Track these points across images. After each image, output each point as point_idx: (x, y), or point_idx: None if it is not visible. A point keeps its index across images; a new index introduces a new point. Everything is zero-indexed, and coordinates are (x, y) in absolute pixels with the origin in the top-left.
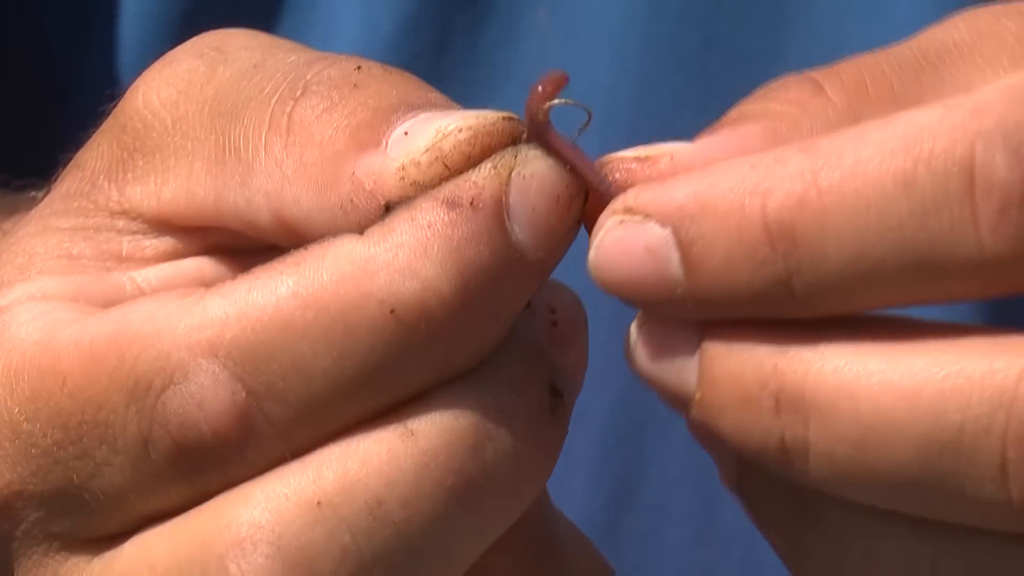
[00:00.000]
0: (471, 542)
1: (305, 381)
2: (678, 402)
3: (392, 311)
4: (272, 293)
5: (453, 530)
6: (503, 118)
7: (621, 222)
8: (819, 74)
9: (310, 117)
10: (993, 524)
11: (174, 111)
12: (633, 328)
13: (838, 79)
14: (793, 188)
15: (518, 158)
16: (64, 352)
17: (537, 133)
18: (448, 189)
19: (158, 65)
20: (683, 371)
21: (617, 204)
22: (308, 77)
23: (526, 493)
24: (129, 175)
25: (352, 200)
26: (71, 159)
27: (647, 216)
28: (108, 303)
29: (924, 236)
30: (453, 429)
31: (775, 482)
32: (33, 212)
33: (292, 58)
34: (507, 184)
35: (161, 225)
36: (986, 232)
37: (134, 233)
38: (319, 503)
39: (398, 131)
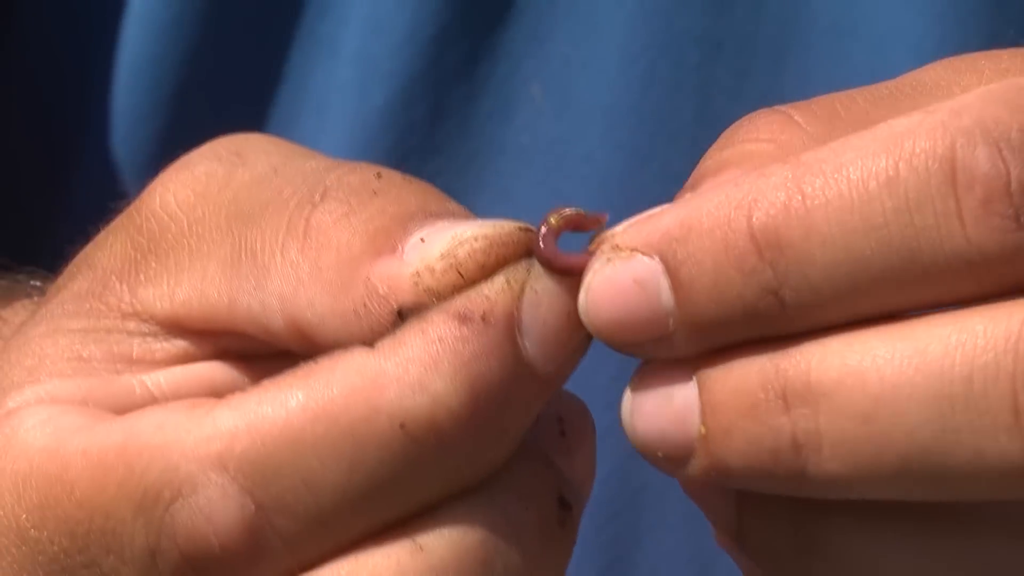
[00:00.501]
0: None
1: (314, 495)
2: (680, 456)
3: (402, 425)
4: (282, 406)
5: None
6: (519, 229)
7: (608, 260)
8: (788, 107)
9: (328, 222)
10: (1010, 490)
11: (191, 213)
12: (627, 392)
13: (809, 110)
14: (777, 197)
15: (531, 273)
16: (72, 461)
17: (547, 263)
18: (460, 303)
19: (176, 167)
20: (683, 416)
21: (604, 245)
22: (328, 183)
23: None
24: (142, 276)
25: (365, 304)
26: (78, 253)
27: (633, 250)
28: (117, 406)
29: (910, 233)
30: (462, 544)
31: (776, 520)
32: (43, 311)
33: (312, 164)
34: (519, 299)
35: (173, 328)
36: (971, 226)
37: (145, 335)
38: None
39: (415, 238)
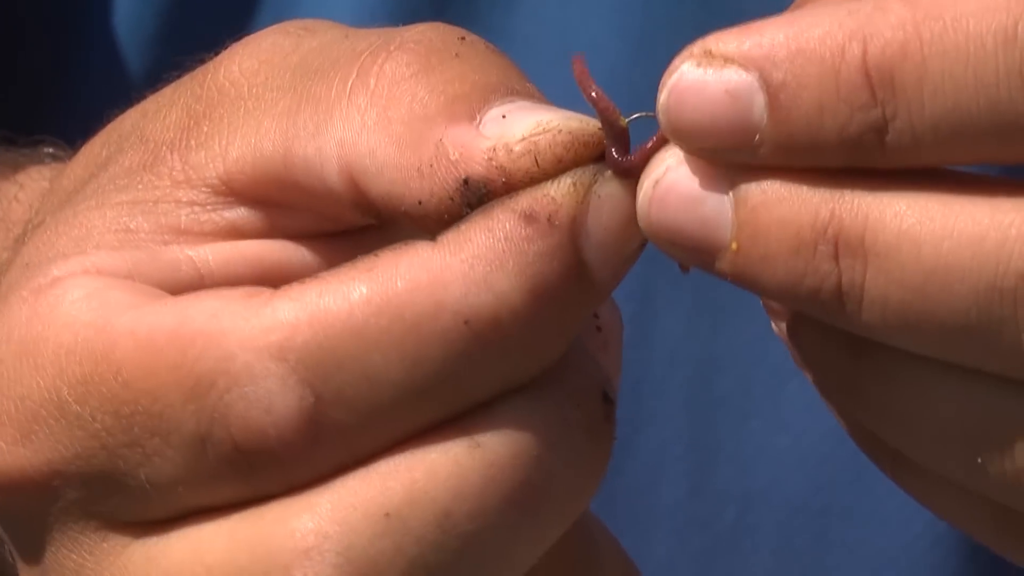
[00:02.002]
0: (532, 549)
1: (375, 389)
2: (698, 257)
3: (466, 322)
4: (345, 298)
5: (517, 539)
6: (600, 129)
7: (699, 65)
8: None
9: (404, 74)
10: None
11: (253, 78)
12: (649, 176)
13: None
14: (895, 36)
15: (598, 177)
16: (120, 340)
17: (617, 166)
18: (526, 202)
19: (242, 42)
20: (713, 224)
21: (695, 48)
22: (406, 35)
23: (584, 499)
24: (193, 142)
25: (432, 165)
26: (117, 118)
27: (729, 60)
28: (163, 281)
29: (1019, 96)
30: (519, 440)
31: (830, 333)
32: (93, 185)
33: (386, 29)
34: (585, 203)
35: (225, 192)
36: None
37: (193, 206)
38: (387, 514)
39: (495, 111)
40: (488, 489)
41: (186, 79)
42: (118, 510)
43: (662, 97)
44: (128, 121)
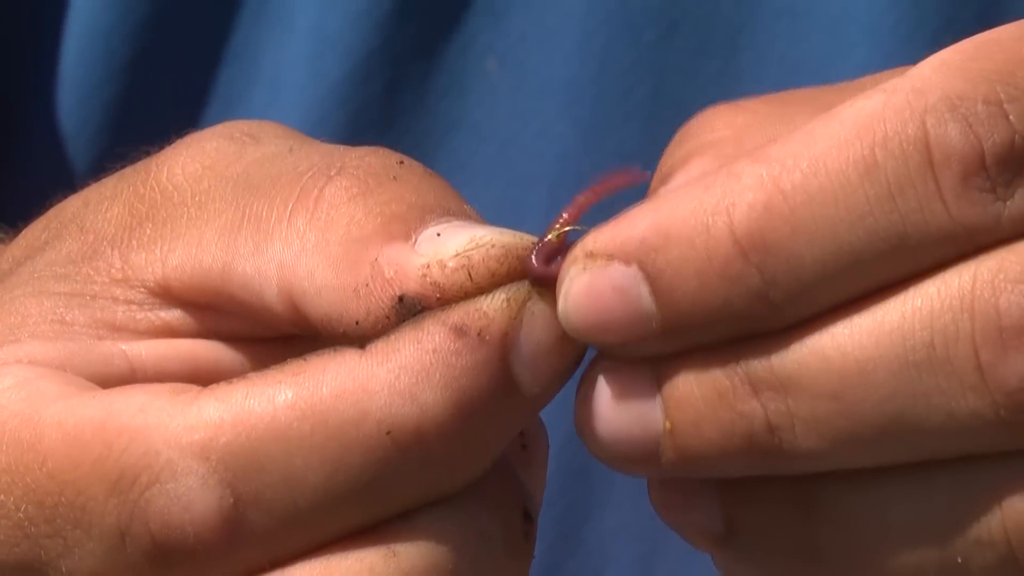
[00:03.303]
0: None
1: (294, 493)
2: (644, 456)
3: (388, 432)
4: (270, 402)
5: None
6: (534, 243)
7: (584, 268)
8: (738, 101)
9: (342, 198)
10: (989, 443)
11: (196, 185)
12: (580, 397)
13: (759, 98)
14: (756, 198)
15: (531, 294)
16: (47, 431)
17: (536, 279)
18: (457, 315)
19: (185, 141)
20: (644, 414)
21: (577, 251)
22: (346, 160)
23: None
24: (135, 242)
25: (368, 285)
26: (56, 204)
27: (610, 257)
28: (95, 374)
29: (895, 218)
30: (435, 553)
31: (770, 500)
32: (28, 269)
33: (329, 146)
34: (517, 319)
35: (162, 296)
36: (952, 202)
37: (130, 303)
38: None
39: (430, 231)
40: None
41: (128, 173)
42: None
43: (560, 305)
44: (69, 209)
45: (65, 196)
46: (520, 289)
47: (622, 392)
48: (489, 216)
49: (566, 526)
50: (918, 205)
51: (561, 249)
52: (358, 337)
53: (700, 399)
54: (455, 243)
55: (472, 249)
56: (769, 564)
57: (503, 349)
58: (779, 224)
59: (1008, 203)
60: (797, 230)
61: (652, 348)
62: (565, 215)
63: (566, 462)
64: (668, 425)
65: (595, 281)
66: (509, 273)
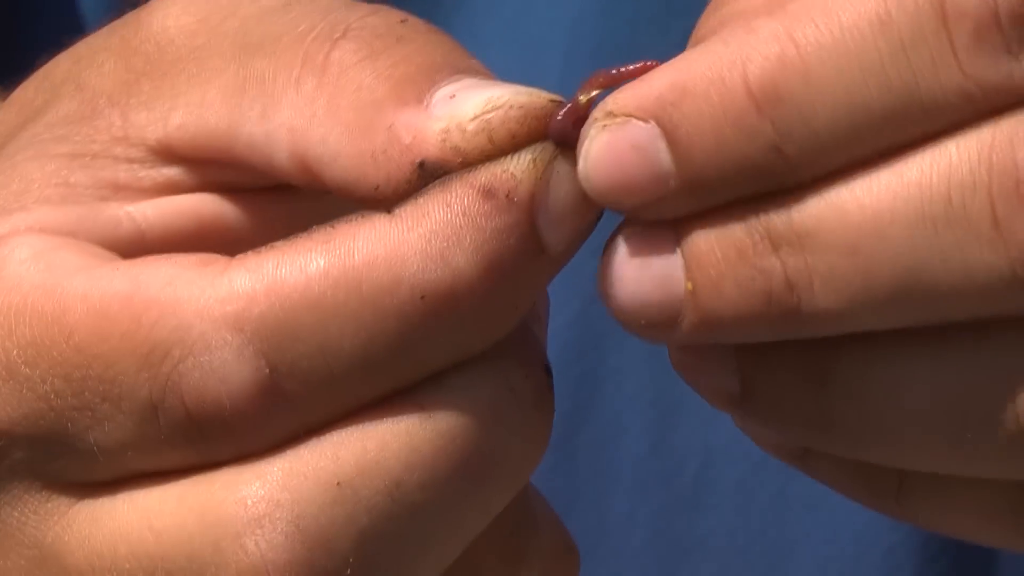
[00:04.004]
0: (480, 518)
1: (329, 360)
2: (667, 319)
3: (423, 296)
4: (302, 271)
5: (466, 508)
6: (551, 101)
7: (604, 127)
8: None
9: (350, 60)
10: (1005, 305)
11: (191, 40)
12: (603, 262)
13: None
14: (770, 50)
15: (556, 154)
16: (71, 304)
17: (561, 139)
18: (485, 177)
19: None
20: (666, 275)
21: (597, 111)
22: (349, 21)
23: (531, 467)
24: (133, 100)
25: (386, 151)
26: (50, 61)
27: (628, 115)
28: (104, 238)
29: (908, 74)
30: (469, 411)
31: (786, 365)
32: (29, 133)
33: (327, 3)
34: (543, 180)
35: (164, 154)
36: (965, 59)
37: (132, 162)
38: (339, 483)
39: (443, 92)
40: (439, 459)
41: (118, 25)
42: (64, 471)
43: (580, 166)
44: (61, 67)
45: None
46: (547, 150)
47: (644, 255)
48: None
49: (580, 397)
50: (931, 61)
51: (585, 113)
52: (378, 202)
53: (720, 257)
54: (472, 105)
55: (490, 111)
56: (784, 428)
57: (531, 210)
58: (792, 77)
59: (1022, 60)
60: (810, 83)
61: (671, 208)
62: (588, 82)
63: (579, 333)
64: (689, 286)
65: (614, 139)
66: (529, 134)
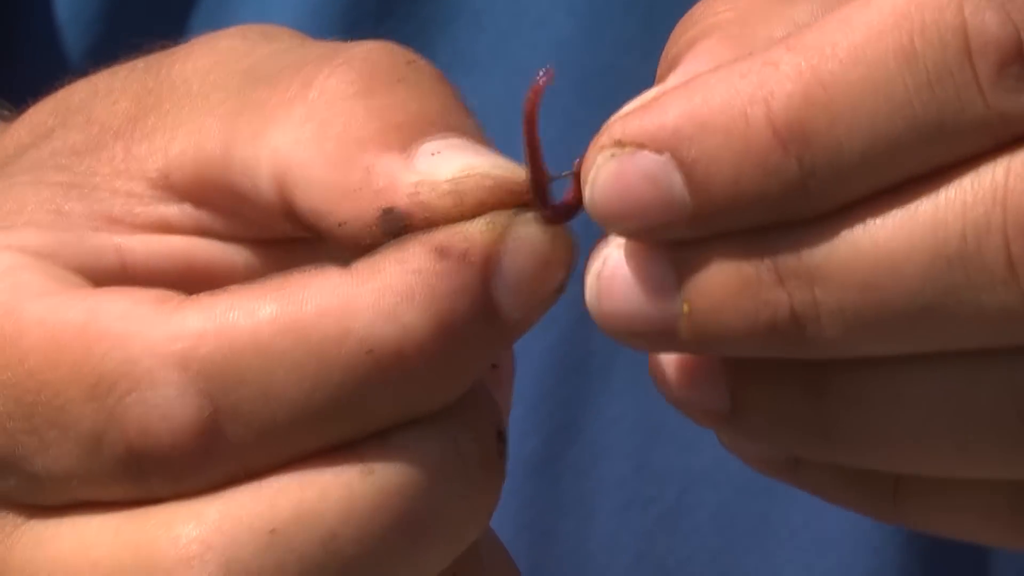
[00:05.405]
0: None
1: (272, 407)
2: (658, 336)
3: (370, 351)
4: (252, 315)
5: (399, 566)
6: (526, 180)
7: (612, 156)
8: None
9: (346, 92)
10: (1012, 336)
11: (204, 77)
12: (591, 270)
13: None
14: (795, 87)
15: (516, 219)
16: (28, 328)
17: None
18: (441, 237)
19: (200, 39)
20: (661, 295)
21: (604, 139)
22: (353, 52)
23: (473, 532)
24: (137, 133)
25: (359, 190)
26: (64, 89)
27: (640, 146)
28: (84, 266)
29: (933, 107)
30: (412, 471)
31: (783, 380)
32: (33, 157)
33: (339, 43)
34: (500, 243)
35: (163, 188)
36: (989, 91)
37: (130, 196)
38: (273, 530)
39: (427, 147)
40: (376, 515)
41: (141, 65)
42: (12, 492)
43: (587, 193)
44: (77, 96)
45: (73, 79)
46: (505, 215)
47: (639, 271)
48: (488, 108)
49: (564, 418)
50: (955, 94)
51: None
52: (340, 238)
53: (722, 286)
54: (450, 168)
55: (465, 177)
56: (776, 441)
57: (485, 272)
58: (819, 114)
59: None
60: (836, 120)
61: (678, 234)
62: (535, 158)
63: (564, 354)
64: (686, 308)
65: (624, 169)
66: (498, 204)
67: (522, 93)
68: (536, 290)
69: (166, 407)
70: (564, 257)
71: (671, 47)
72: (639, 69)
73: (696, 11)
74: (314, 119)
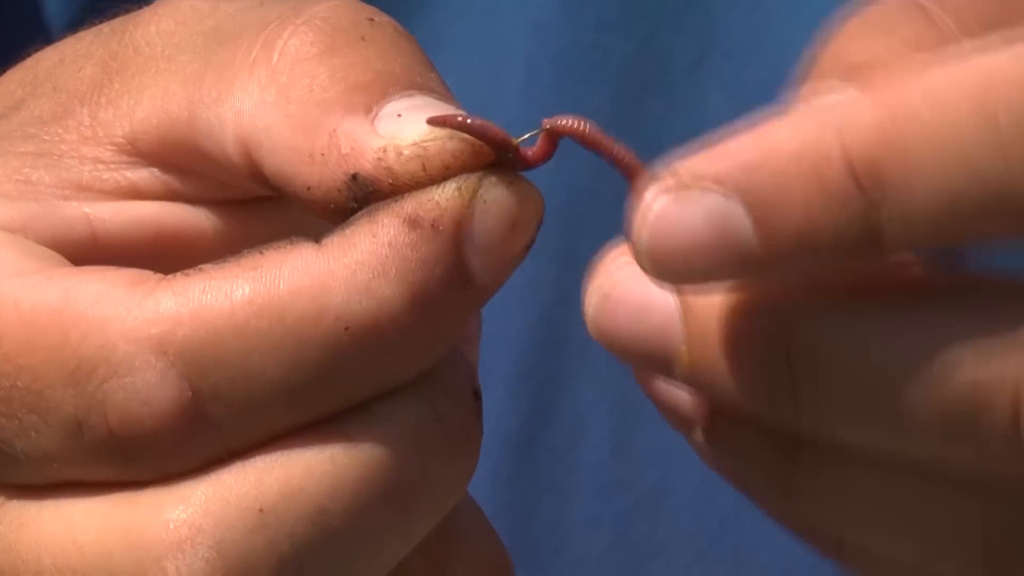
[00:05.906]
0: (404, 544)
1: (251, 387)
2: (652, 365)
3: (346, 328)
4: (227, 297)
5: (389, 536)
6: (493, 140)
7: (674, 195)
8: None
9: (308, 52)
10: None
11: (168, 39)
12: (594, 288)
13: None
14: (872, 129)
15: (483, 182)
16: (2, 310)
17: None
18: (410, 207)
19: (163, 1)
20: (662, 332)
21: (666, 179)
22: (315, 10)
23: (457, 494)
24: (103, 99)
25: (324, 154)
26: (32, 55)
27: (706, 187)
28: (55, 237)
29: (1002, 168)
30: (396, 440)
31: (751, 433)
32: (3, 125)
33: (303, 1)
34: (469, 209)
35: (130, 153)
36: None
37: (97, 162)
38: (261, 509)
39: (391, 107)
40: (363, 487)
41: (105, 30)
42: None
43: (636, 232)
44: (45, 63)
45: (39, 48)
46: (472, 179)
47: (646, 302)
48: (467, 88)
49: (541, 400)
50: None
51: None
52: (307, 201)
53: (727, 351)
54: (414, 130)
55: (430, 140)
56: (743, 478)
57: (457, 239)
58: (895, 157)
59: None
60: (909, 164)
61: (747, 278)
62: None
63: (543, 335)
64: (686, 355)
65: (688, 210)
66: (463, 167)
67: (501, 73)
68: (507, 252)
69: (146, 392)
70: (533, 216)
71: (821, 53)
72: (618, 48)
73: (831, 48)
74: (276, 82)
